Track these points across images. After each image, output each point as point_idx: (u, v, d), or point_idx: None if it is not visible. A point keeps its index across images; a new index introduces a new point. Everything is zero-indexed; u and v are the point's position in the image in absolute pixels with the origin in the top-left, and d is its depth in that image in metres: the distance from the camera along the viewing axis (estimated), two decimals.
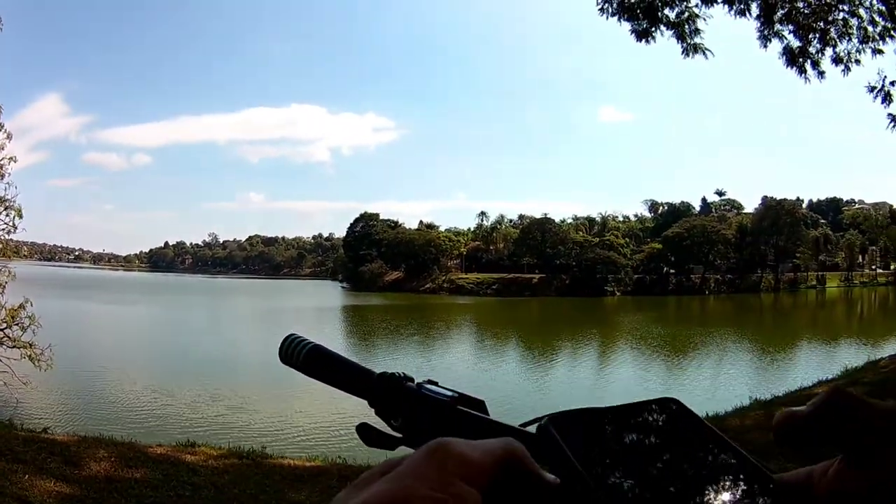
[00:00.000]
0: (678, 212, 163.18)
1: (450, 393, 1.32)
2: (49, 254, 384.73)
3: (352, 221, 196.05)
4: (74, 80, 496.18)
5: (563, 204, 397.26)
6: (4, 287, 20.93)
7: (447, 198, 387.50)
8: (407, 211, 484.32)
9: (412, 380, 1.40)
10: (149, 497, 8.08)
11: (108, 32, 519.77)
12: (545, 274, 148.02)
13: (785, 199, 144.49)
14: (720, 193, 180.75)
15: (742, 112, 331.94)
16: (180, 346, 49.75)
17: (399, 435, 1.35)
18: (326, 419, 25.52)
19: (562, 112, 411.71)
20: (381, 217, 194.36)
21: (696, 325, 69.89)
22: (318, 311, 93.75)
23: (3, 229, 20.88)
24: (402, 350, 48.87)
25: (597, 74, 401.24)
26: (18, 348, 20.43)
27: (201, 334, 60.49)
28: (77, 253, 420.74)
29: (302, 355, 1.51)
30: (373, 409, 1.43)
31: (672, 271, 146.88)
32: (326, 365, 1.52)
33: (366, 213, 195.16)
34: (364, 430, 1.39)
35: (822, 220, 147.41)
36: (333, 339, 57.60)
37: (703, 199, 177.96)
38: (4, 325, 20.45)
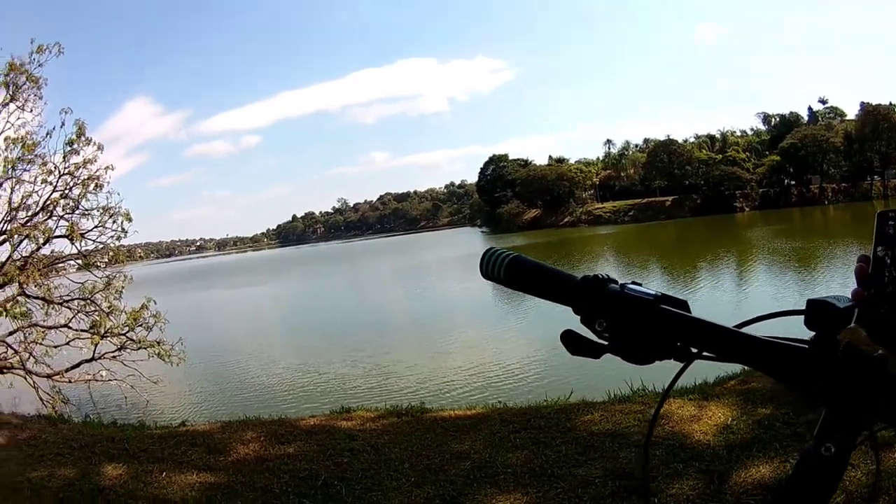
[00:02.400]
0: (789, 123, 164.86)
1: (653, 292, 1.43)
2: (167, 250, 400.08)
3: (482, 165, 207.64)
4: (159, 81, 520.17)
5: (679, 124, 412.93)
6: (121, 292, 21.63)
7: (569, 129, 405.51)
8: (533, 147, 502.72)
9: (615, 282, 1.48)
10: (303, 470, 8.13)
11: (183, 28, 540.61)
12: (676, 195, 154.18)
13: (880, 105, 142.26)
14: (823, 101, 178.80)
15: (825, 13, 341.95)
16: (320, 318, 50.59)
17: (604, 342, 1.44)
18: (483, 369, 25.98)
19: (666, 32, 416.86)
20: (511, 157, 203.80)
21: (818, 237, 71.84)
22: (460, 259, 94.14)
23: (112, 236, 21.62)
24: None
25: None
26: (144, 348, 21.10)
27: (342, 302, 61.92)
28: (199, 243, 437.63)
29: (503, 267, 1.59)
30: (577, 317, 1.50)
31: (793, 182, 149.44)
32: (529, 274, 1.59)
33: (495, 155, 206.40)
34: (569, 338, 1.47)
35: None
36: (484, 287, 57.94)
37: (810, 109, 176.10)
38: (127, 328, 21.14)
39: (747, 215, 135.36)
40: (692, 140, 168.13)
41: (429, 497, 7.08)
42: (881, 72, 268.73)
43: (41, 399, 20.48)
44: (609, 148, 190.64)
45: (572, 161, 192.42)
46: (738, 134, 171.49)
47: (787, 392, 7.84)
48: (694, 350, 1.43)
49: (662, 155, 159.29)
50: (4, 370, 21.05)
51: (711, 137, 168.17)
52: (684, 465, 6.94)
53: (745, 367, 8.36)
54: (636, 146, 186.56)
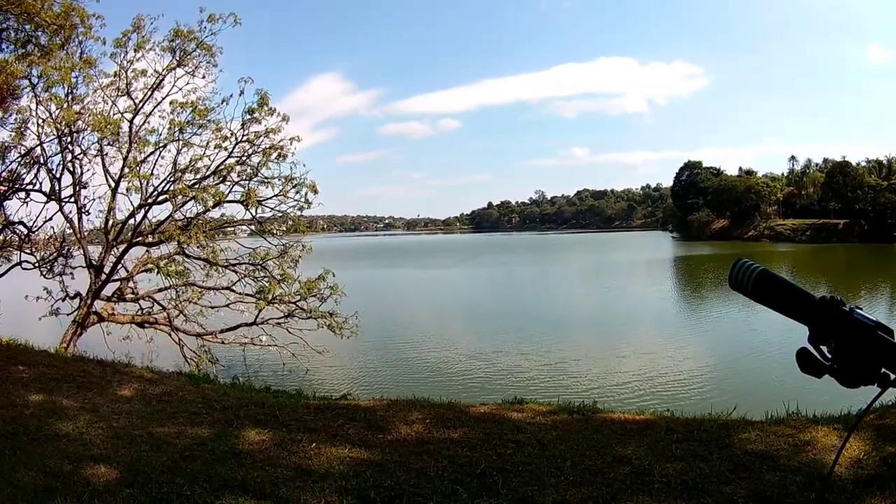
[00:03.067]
0: None
1: (873, 319, 1.61)
2: (352, 224, 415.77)
3: (677, 171, 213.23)
4: (350, 59, 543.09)
5: (853, 145, 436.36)
6: (297, 261, 22.00)
7: (756, 142, 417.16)
8: (723, 157, 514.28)
9: (844, 304, 1.64)
10: (464, 457, 8.02)
11: (377, 8, 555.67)
12: (848, 219, 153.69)
13: None
14: None
15: None
16: (503, 307, 51.15)
17: (825, 362, 1.59)
18: (656, 375, 26.24)
19: (841, 51, 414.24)
20: (704, 165, 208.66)
21: None
22: (647, 263, 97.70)
23: (294, 206, 22.24)
24: (725, 302, 47.89)
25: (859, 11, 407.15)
26: (315, 318, 21.38)
27: (526, 294, 62.35)
28: (387, 221, 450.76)
29: (752, 281, 1.76)
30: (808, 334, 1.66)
31: None
32: (773, 289, 1.76)
33: (690, 161, 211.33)
34: (802, 356, 1.63)
35: None
36: (666, 294, 59.50)
37: None
38: (298, 297, 21.47)
39: None
40: (864, 164, 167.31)
41: (583, 498, 6.91)
42: None
43: (185, 357, 20.98)
44: (793, 164, 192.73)
45: (760, 174, 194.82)
46: None
47: None
48: (893, 377, 1.56)
49: (838, 177, 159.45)
50: (146, 325, 21.63)
51: (879, 163, 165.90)
52: (817, 494, 6.88)
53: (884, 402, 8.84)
54: (816, 165, 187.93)
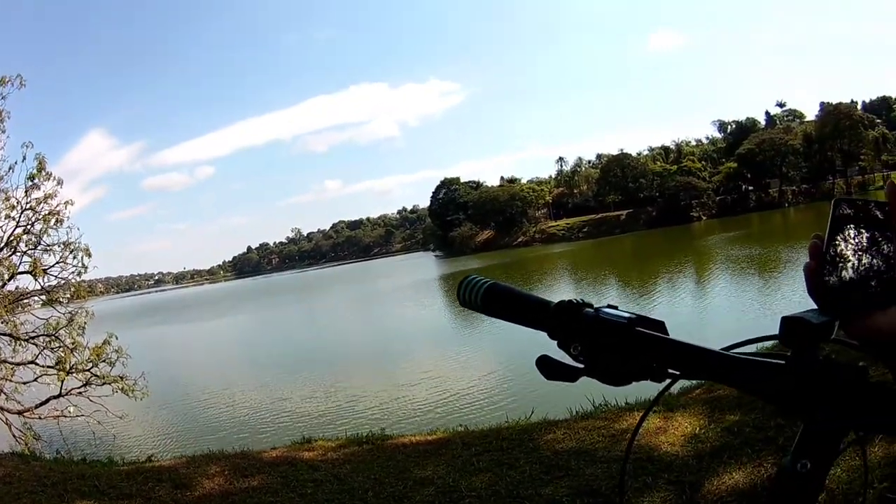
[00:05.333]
0: (745, 129, 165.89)
1: (628, 315, 1.41)
2: (126, 285, 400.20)
3: (434, 189, 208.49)
4: (114, 114, 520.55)
5: (632, 136, 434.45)
6: (84, 328, 21.61)
7: (522, 149, 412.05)
8: (486, 169, 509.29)
9: (591, 306, 1.46)
10: (268, 502, 8.21)
11: (136, 61, 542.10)
12: (631, 209, 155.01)
13: (840, 103, 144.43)
14: (781, 105, 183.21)
15: (789, 18, 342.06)
16: (277, 350, 50.14)
17: (580, 365, 1.41)
18: (443, 394, 26.23)
19: (618, 43, 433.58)
20: (462, 180, 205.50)
21: (776, 239, 73.07)
22: (414, 286, 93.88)
23: (73, 272, 21.60)
24: None
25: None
26: (109, 384, 21.09)
27: (298, 334, 61.36)
28: (157, 277, 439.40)
29: (480, 295, 1.59)
30: (554, 342, 1.47)
31: (751, 188, 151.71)
32: (505, 301, 1.58)
33: (446, 178, 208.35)
34: (544, 363, 1.44)
35: (878, 120, 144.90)
36: (439, 313, 58.46)
37: (767, 113, 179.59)
38: (90, 364, 21.12)
39: (704, 224, 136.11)
40: (646, 153, 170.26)
41: None
42: (842, 73, 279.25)
43: (13, 436, 20.48)
44: (561, 165, 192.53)
45: (524, 181, 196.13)
46: (693, 143, 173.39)
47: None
48: (671, 370, 1.42)
49: (616, 169, 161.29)
50: None
51: (666, 149, 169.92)
52: (653, 477, 7.02)
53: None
54: (589, 162, 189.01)
